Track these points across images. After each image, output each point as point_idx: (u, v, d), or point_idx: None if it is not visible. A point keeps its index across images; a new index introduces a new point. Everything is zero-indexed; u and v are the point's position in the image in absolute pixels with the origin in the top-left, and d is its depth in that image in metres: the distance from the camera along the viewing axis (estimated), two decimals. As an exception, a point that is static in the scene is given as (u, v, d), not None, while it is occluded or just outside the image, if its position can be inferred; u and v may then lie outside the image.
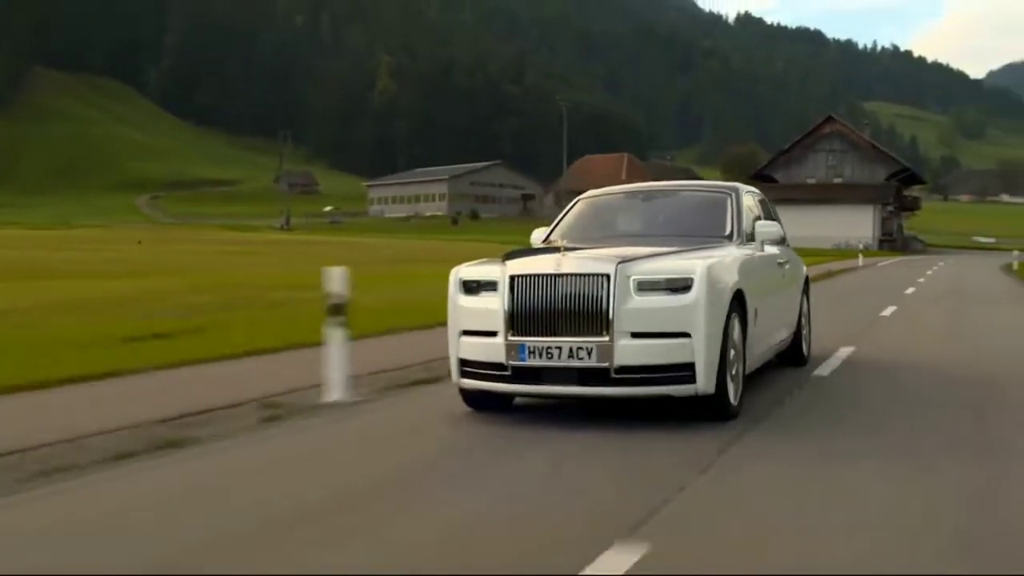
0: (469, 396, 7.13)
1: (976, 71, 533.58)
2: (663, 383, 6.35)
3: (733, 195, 8.33)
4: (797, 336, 9.26)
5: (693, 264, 6.50)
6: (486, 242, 61.87)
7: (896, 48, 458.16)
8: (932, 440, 5.98)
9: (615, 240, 7.55)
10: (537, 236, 8.47)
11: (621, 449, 5.77)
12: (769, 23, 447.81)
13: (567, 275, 6.45)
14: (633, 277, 6.37)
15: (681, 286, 6.35)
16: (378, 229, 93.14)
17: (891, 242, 73.27)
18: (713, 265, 6.55)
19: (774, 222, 8.55)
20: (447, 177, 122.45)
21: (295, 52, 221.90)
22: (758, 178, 74.25)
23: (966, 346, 11.34)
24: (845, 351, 10.31)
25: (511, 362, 6.50)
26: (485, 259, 7.30)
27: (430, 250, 50.61)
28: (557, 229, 8.35)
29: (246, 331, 11.77)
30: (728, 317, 6.62)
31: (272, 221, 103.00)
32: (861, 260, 46.83)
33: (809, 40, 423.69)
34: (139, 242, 54.83)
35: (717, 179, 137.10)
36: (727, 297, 6.65)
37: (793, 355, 9.26)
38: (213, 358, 9.54)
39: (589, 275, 6.42)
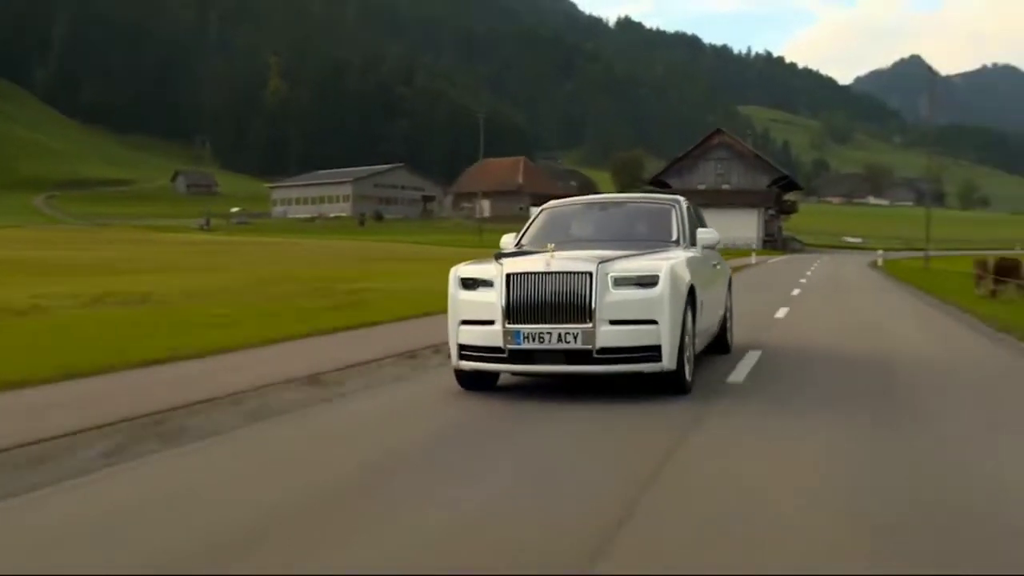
0: (464, 377, 8.28)
1: (844, 77, 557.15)
2: (636, 362, 7.54)
3: (676, 206, 9.67)
4: (724, 327, 10.64)
5: (658, 264, 7.78)
6: (416, 243, 67.29)
7: (769, 54, 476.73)
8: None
9: (578, 244, 8.75)
10: (507, 241, 9.62)
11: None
12: (648, 27, 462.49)
13: (556, 273, 7.61)
14: (610, 274, 7.58)
15: (649, 282, 7.60)
16: (291, 230, 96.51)
17: (773, 242, 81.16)
18: (674, 265, 7.80)
19: (711, 229, 9.70)
20: (351, 179, 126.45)
21: (183, 51, 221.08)
22: (654, 183, 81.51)
23: (852, 316, 17.56)
24: (781, 312, 16.64)
25: (508, 346, 7.62)
26: (476, 260, 8.52)
27: (380, 250, 55.08)
28: (526, 235, 9.52)
29: (381, 306, 17.14)
30: (685, 308, 7.86)
31: (188, 221, 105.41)
32: (754, 258, 54.32)
33: (687, 45, 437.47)
34: (89, 243, 58.40)
35: (607, 181, 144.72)
36: (685, 291, 7.91)
37: (720, 344, 10.54)
38: (383, 321, 14.52)
39: (574, 273, 7.58)
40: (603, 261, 7.66)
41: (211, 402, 7.31)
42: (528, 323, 7.60)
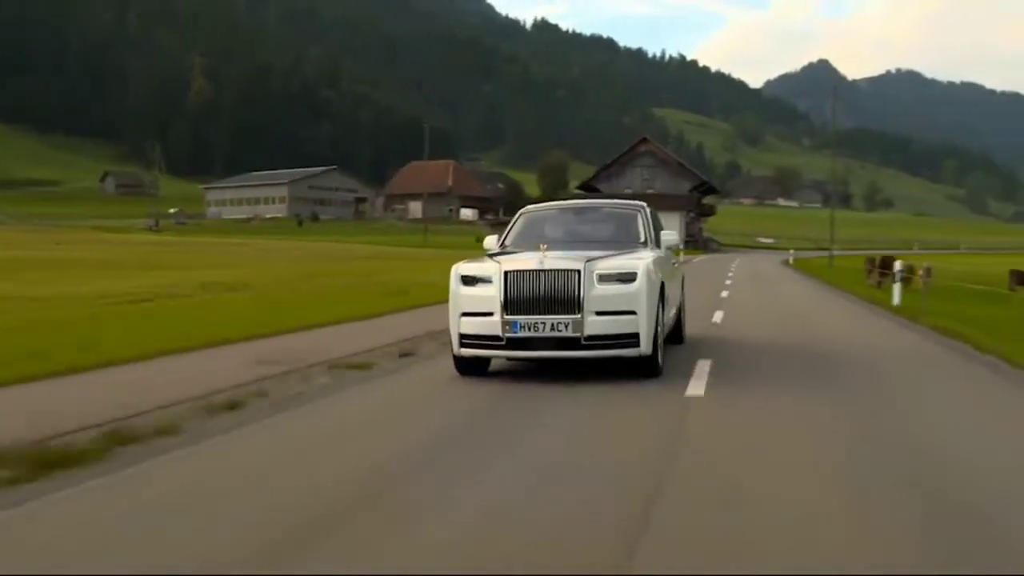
0: (462, 363, 9.27)
1: (755, 80, 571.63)
2: (618, 347, 8.63)
3: (642, 211, 10.85)
4: (679, 319, 11.74)
5: (636, 263, 8.90)
6: (371, 244, 72.08)
7: (683, 57, 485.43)
8: (778, 336, 17.02)
9: (556, 245, 9.54)
10: (491, 241, 10.79)
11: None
12: (564, 29, 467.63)
13: (548, 270, 8.64)
14: (596, 272, 8.64)
15: (629, 278, 8.70)
16: (237, 230, 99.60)
17: (694, 243, 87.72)
18: (648, 263, 8.89)
19: (672, 232, 10.85)
20: (287, 181, 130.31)
21: (104, 51, 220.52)
22: (585, 188, 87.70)
23: (773, 298, 23.63)
24: (724, 293, 22.58)
25: (506, 335, 8.62)
26: (471, 259, 9.50)
27: (346, 251, 59.49)
28: (508, 237, 10.61)
29: (421, 294, 22.36)
30: (658, 301, 8.96)
31: (131, 222, 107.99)
32: (682, 256, 60.75)
33: (603, 48, 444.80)
34: (57, 243, 62.14)
35: (532, 183, 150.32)
36: (657, 286, 8.98)
37: (676, 334, 11.54)
38: (432, 303, 19.29)
39: (565, 270, 8.62)
40: (589, 260, 8.79)
41: (395, 344, 11.93)
42: (524, 314, 8.64)
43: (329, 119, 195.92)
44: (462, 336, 9.02)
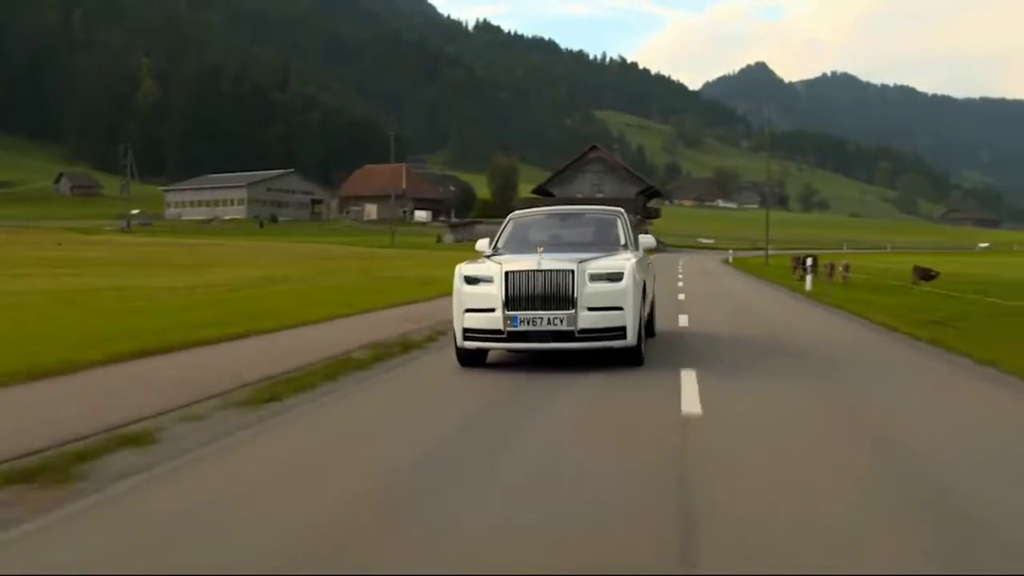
0: (464, 355, 10.24)
1: (693, 82, 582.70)
2: (607, 339, 9.66)
3: (621, 217, 11.86)
4: (652, 314, 12.69)
5: (623, 263, 9.94)
6: (344, 245, 77.49)
7: (623, 60, 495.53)
8: (732, 315, 24.02)
9: (546, 248, 10.32)
10: (483, 244, 11.66)
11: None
12: (506, 31, 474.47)
13: (545, 270, 9.62)
14: (587, 271, 9.65)
15: (617, 277, 9.74)
16: (204, 232, 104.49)
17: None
18: (634, 264, 9.99)
19: (650, 236, 12.06)
20: (246, 184, 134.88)
21: (49, 49, 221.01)
22: (539, 192, 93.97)
23: (719, 289, 29.99)
24: (680, 283, 28.91)
25: (507, 328, 9.61)
26: (471, 261, 10.49)
27: (326, 251, 65.06)
28: (500, 240, 11.53)
29: (443, 285, 28.31)
30: (641, 298, 10.07)
31: (99, 223, 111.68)
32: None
33: (544, 49, 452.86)
34: (59, 244, 66.90)
35: (482, 184, 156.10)
36: (640, 285, 10.09)
37: (649, 328, 12.40)
38: None
39: (560, 270, 9.61)
40: (581, 261, 9.68)
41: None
42: (523, 310, 9.54)
43: (280, 121, 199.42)
44: (466, 330, 9.96)
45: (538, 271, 9.64)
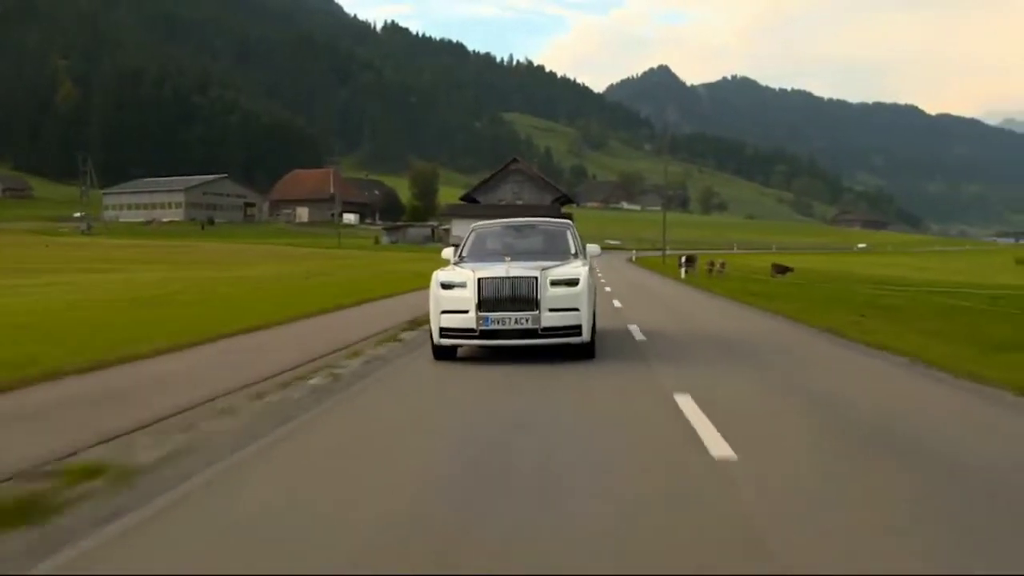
0: (438, 350, 11.65)
1: (598, 85, 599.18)
2: (565, 336, 11.27)
3: (570, 228, 13.84)
4: (594, 315, 13.48)
5: (578, 270, 11.56)
6: (291, 246, 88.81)
7: (530, 63, 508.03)
8: (640, 294, 37.17)
9: (505, 256, 12.08)
10: (448, 253, 13.38)
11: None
12: (415, 33, 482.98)
13: (513, 277, 11.17)
14: (549, 277, 11.24)
15: (574, 283, 11.34)
16: (156, 234, 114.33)
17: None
18: (587, 272, 11.62)
19: (595, 245, 13.61)
20: (183, 188, 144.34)
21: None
22: (466, 199, 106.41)
23: (628, 279, 43.10)
24: (603, 277, 42.05)
25: (480, 327, 11.13)
26: (444, 269, 12.08)
27: (285, 252, 76.64)
28: (465, 249, 13.22)
29: None
30: (593, 300, 11.69)
31: (73, 225, 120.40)
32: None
33: (452, 52, 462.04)
34: (46, 245, 77.06)
35: (405, 188, 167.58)
36: (593, 289, 11.75)
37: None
38: None
39: (526, 277, 11.16)
40: (543, 269, 11.43)
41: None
42: (494, 311, 11.19)
43: (200, 124, 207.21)
44: (443, 329, 11.43)
45: (507, 277, 11.26)
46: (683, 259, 45.71)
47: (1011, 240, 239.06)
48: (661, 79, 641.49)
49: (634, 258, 79.95)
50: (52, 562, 4.10)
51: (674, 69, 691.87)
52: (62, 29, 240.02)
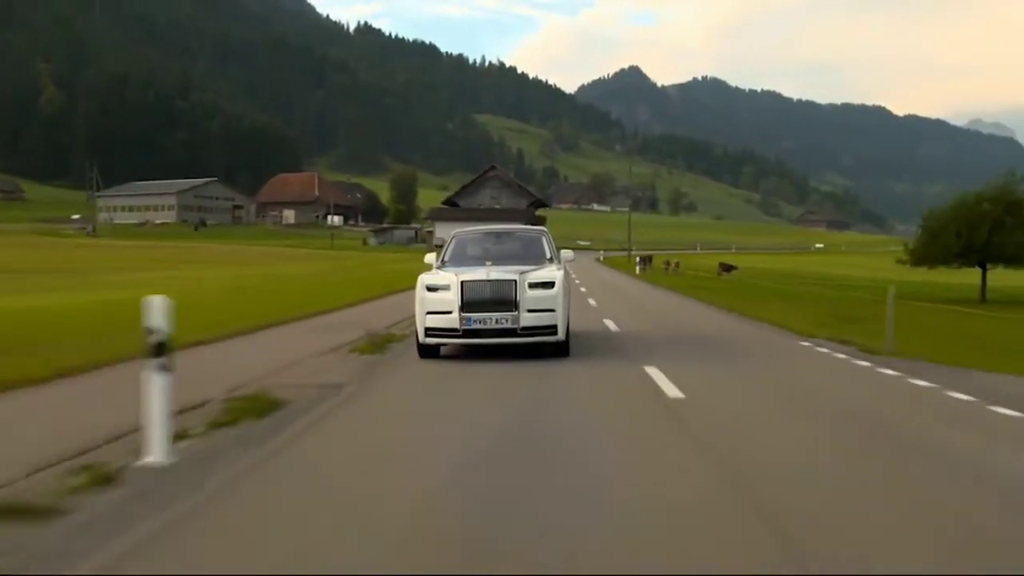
0: (423, 349, 12.94)
1: (569, 85, 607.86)
2: (542, 335, 12.54)
3: (545, 235, 15.10)
4: (567, 317, 14.54)
5: (554, 274, 12.88)
6: (289, 247, 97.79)
7: (502, 64, 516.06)
8: (609, 289, 46.96)
9: (484, 261, 13.38)
10: (431, 258, 14.67)
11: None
12: (387, 34, 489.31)
13: (493, 280, 12.45)
14: (527, 280, 12.51)
15: (550, 285, 12.66)
16: (141, 235, 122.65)
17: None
18: (563, 275, 12.96)
19: (570, 251, 15.75)
20: (175, 191, 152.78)
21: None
22: (448, 203, 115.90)
23: (598, 275, 52.93)
24: (574, 273, 52.00)
25: (463, 327, 12.38)
26: (429, 272, 13.45)
27: (290, 253, 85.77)
28: (447, 254, 14.48)
29: None
30: (568, 302, 13.09)
31: (75, 227, 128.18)
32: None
33: (425, 53, 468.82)
34: (76, 247, 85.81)
35: (384, 190, 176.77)
36: (568, 291, 13.12)
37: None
38: None
39: (506, 280, 12.44)
40: (522, 272, 12.69)
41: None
42: (476, 312, 12.43)
43: (183, 128, 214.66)
44: (428, 329, 12.75)
45: (488, 280, 12.58)
46: (639, 259, 55.66)
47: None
48: (632, 80, 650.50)
49: (601, 258, 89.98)
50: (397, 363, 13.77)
51: (645, 70, 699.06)
52: (41, 32, 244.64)
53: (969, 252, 40.73)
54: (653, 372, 11.40)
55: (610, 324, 19.61)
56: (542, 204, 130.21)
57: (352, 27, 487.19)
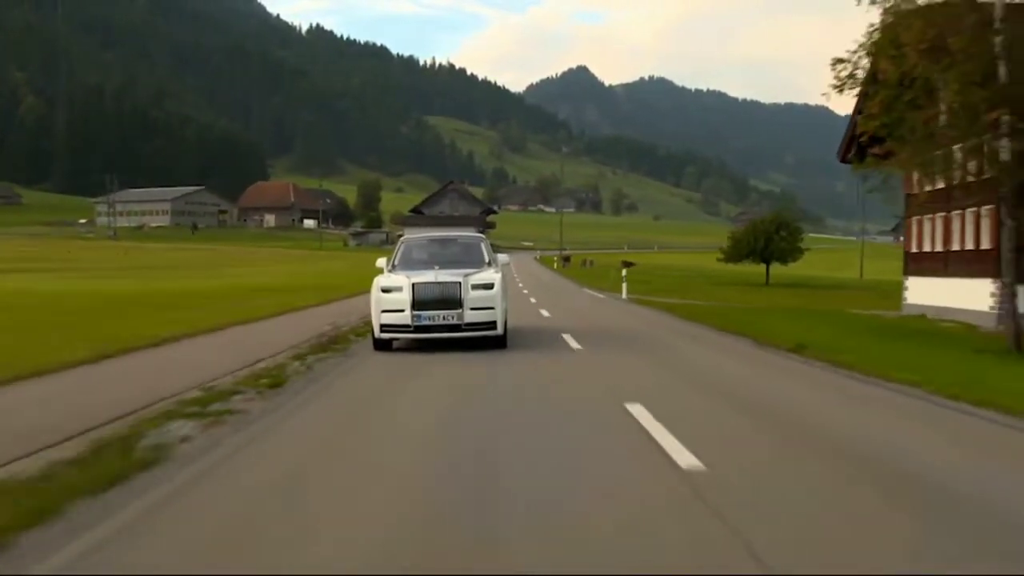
0: (377, 343, 15.12)
1: (517, 85, 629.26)
2: (484, 330, 14.80)
3: (484, 241, 17.78)
4: (505, 314, 16.73)
5: (493, 276, 15.22)
6: (284, 248, 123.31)
7: (452, 65, 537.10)
8: (534, 278, 73.64)
9: (429, 264, 15.92)
10: (382, 262, 16.58)
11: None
12: (339, 35, 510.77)
13: (441, 281, 14.69)
14: (470, 282, 14.70)
15: (490, 286, 14.91)
16: (154, 238, 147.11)
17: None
18: (500, 277, 15.27)
19: (505, 255, 18.28)
20: (170, 198, 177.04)
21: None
22: (415, 211, 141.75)
23: (530, 269, 79.83)
24: (514, 268, 79.07)
25: (414, 323, 14.60)
26: (383, 275, 15.57)
27: (284, 254, 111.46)
28: (397, 258, 16.72)
29: None
30: (505, 300, 15.40)
31: (84, 229, 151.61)
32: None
33: (377, 55, 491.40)
34: (125, 252, 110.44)
35: (352, 196, 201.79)
36: (505, 291, 15.46)
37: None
38: None
39: (452, 281, 14.70)
40: (466, 275, 15.01)
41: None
42: (426, 310, 14.69)
43: (159, 136, 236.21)
44: (382, 325, 14.99)
45: (436, 283, 14.82)
46: (562, 257, 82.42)
47: (890, 239, 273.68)
48: (580, 79, 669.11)
49: (538, 256, 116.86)
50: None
51: (593, 69, 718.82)
52: (12, 37, 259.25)
53: (754, 253, 68.31)
54: (540, 308, 34.51)
55: (527, 293, 45.26)
56: (492, 211, 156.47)
57: (304, 28, 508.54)
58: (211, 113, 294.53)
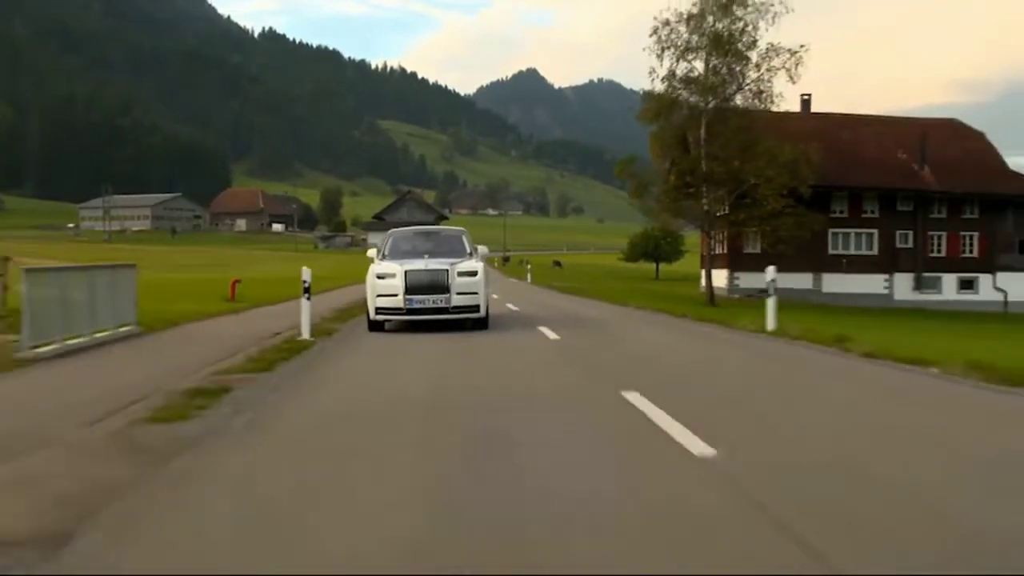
0: (372, 324, 17.31)
1: (467, 87, 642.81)
2: (468, 313, 17.45)
3: (465, 234, 19.85)
4: (487, 299, 18.78)
5: (476, 265, 17.89)
6: (268, 251, 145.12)
7: (403, 69, 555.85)
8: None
9: (417, 255, 17.93)
10: (372, 253, 18.88)
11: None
12: (291, 39, 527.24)
13: (431, 269, 17.20)
14: (456, 270, 17.25)
15: (473, 274, 17.57)
16: (136, 240, 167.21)
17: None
18: (483, 265, 18.11)
19: (485, 247, 19.46)
20: (151, 204, 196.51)
21: None
22: (376, 218, 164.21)
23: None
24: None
25: (406, 307, 17.00)
26: (376, 263, 17.73)
27: (269, 255, 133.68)
28: (386, 248, 18.79)
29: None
30: (487, 287, 18.21)
31: (72, 232, 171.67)
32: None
33: (329, 59, 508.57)
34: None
35: (314, 201, 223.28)
36: (487, 278, 18.46)
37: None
38: None
39: (440, 269, 17.21)
40: (452, 264, 17.14)
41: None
42: (417, 295, 16.79)
43: (128, 145, 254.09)
44: (377, 308, 17.11)
45: (427, 270, 16.96)
46: (503, 258, 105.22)
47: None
48: (530, 81, 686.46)
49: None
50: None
51: (542, 71, 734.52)
52: None
53: (646, 254, 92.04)
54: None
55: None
56: (444, 218, 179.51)
57: (256, 32, 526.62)
58: (172, 119, 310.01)
